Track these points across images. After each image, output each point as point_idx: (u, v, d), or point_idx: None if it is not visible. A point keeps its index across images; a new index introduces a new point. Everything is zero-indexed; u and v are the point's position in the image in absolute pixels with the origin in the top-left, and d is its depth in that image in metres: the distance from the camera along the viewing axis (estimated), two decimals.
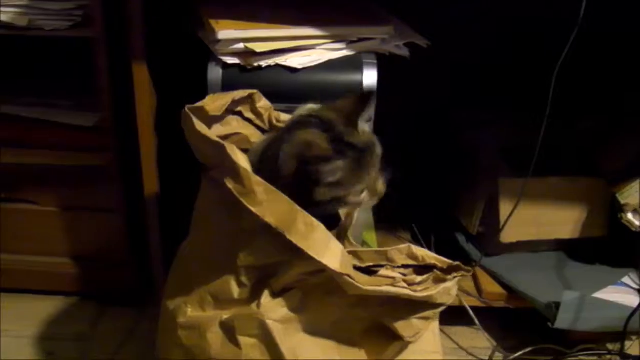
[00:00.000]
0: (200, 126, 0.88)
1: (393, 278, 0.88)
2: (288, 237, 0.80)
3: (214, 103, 0.96)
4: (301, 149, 0.90)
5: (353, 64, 1.16)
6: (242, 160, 0.84)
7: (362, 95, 0.98)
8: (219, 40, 1.11)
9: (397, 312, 0.93)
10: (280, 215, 0.81)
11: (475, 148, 1.49)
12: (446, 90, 1.63)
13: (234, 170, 0.83)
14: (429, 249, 1.49)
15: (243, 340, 0.87)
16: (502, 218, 1.41)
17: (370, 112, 1.08)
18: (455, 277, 0.93)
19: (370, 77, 1.15)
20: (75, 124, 1.48)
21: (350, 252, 0.91)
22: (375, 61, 1.16)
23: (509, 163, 1.44)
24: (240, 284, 0.88)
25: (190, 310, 0.92)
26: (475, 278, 1.47)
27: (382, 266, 0.93)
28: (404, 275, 0.92)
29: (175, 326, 0.93)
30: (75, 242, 1.52)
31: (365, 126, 0.97)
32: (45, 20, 1.32)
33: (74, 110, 1.51)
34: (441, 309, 0.95)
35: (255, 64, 1.12)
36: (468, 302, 1.43)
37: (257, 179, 0.82)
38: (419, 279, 0.90)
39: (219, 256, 0.91)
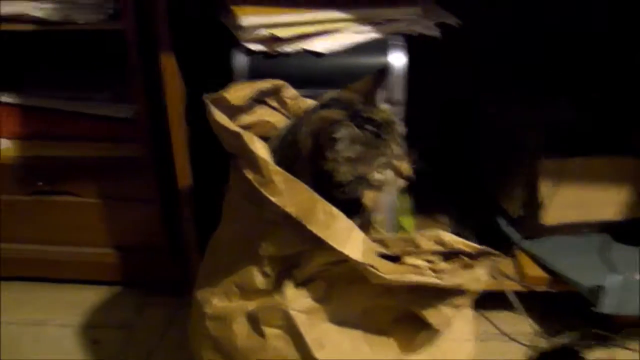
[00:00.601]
0: (219, 115, 0.87)
1: (418, 266, 0.85)
2: (308, 227, 0.79)
3: (236, 92, 0.95)
4: (318, 124, 0.88)
5: (380, 46, 1.14)
6: (261, 149, 0.83)
7: (377, 73, 0.96)
8: (243, 27, 1.10)
9: (426, 300, 0.91)
10: (300, 205, 0.80)
11: (513, 129, 1.44)
12: (478, 72, 1.58)
13: (252, 160, 0.82)
14: (469, 233, 1.46)
15: (268, 330, 0.87)
16: (543, 200, 1.36)
17: (387, 89, 1.08)
18: (484, 262, 0.90)
19: (397, 59, 1.12)
20: (113, 116, 1.50)
21: (375, 240, 0.89)
22: (403, 43, 1.13)
23: (549, 143, 1.38)
24: (264, 274, 0.87)
25: (217, 301, 0.92)
26: (516, 262, 1.43)
27: (410, 253, 0.91)
28: (430, 262, 0.89)
29: (204, 316, 0.93)
30: (115, 232, 1.54)
31: (384, 105, 0.95)
32: (78, 14, 1.33)
33: (111, 102, 1.53)
34: (471, 296, 0.92)
35: (280, 50, 1.10)
36: (509, 287, 1.40)
37: (275, 168, 0.81)
38: (445, 266, 0.87)
39: (244, 246, 0.90)
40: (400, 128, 0.92)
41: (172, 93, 1.21)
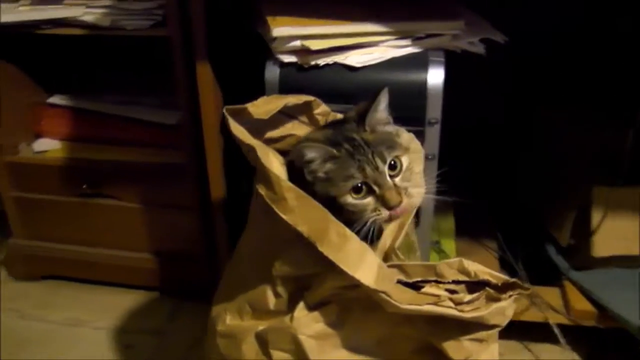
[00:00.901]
0: (235, 128, 0.85)
1: (438, 296, 0.80)
2: (320, 248, 0.75)
3: (261, 106, 0.91)
4: (295, 145, 0.87)
5: (418, 61, 1.09)
6: (275, 164, 0.80)
7: (375, 93, 0.91)
8: (275, 38, 1.07)
9: (447, 332, 0.85)
10: (312, 224, 0.76)
11: (567, 152, 1.37)
12: (530, 88, 1.51)
13: (265, 175, 0.79)
14: (516, 259, 1.39)
15: (276, 354, 0.83)
16: (595, 229, 1.28)
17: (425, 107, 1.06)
18: (511, 296, 0.84)
19: (435, 76, 1.07)
20: (158, 122, 1.51)
21: (393, 266, 0.84)
22: (442, 59, 1.08)
23: (604, 169, 1.30)
24: (276, 295, 0.84)
25: (229, 318, 0.89)
26: (563, 293, 1.35)
27: (430, 282, 0.86)
28: (452, 292, 0.84)
29: (215, 334, 0.90)
30: (154, 238, 1.54)
31: (386, 127, 0.92)
32: (127, 20, 1.35)
33: (159, 108, 1.54)
34: (496, 330, 0.86)
35: (313, 63, 1.07)
36: (554, 319, 1.32)
37: (288, 184, 0.77)
38: (468, 297, 0.81)
39: (260, 262, 0.87)
40: (391, 152, 0.87)
41: (207, 102, 1.19)
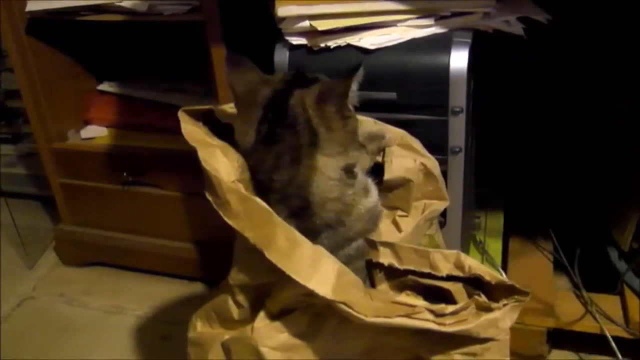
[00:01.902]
0: (185, 129, 0.78)
1: (413, 306, 0.70)
2: (267, 255, 0.67)
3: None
4: None
5: (441, 43, 0.97)
6: (223, 165, 0.72)
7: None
8: (283, 18, 0.99)
9: (435, 345, 0.75)
10: (259, 229, 0.68)
11: (630, 147, 1.20)
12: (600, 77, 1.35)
13: (207, 178, 0.72)
14: (572, 263, 1.25)
15: None
16: None
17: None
18: (505, 304, 0.73)
19: (459, 60, 0.95)
20: None
21: (386, 245, 0.77)
22: (468, 40, 0.96)
23: None
24: (237, 304, 0.77)
25: (200, 325, 0.83)
26: (623, 302, 1.20)
27: (424, 274, 0.76)
28: (439, 297, 0.74)
29: (187, 341, 0.84)
30: (195, 227, 1.51)
31: None
32: (164, 6, 1.31)
33: (201, 96, 1.50)
34: (491, 343, 0.75)
35: (323, 45, 0.98)
36: (611, 332, 1.17)
37: (229, 185, 0.70)
38: (450, 308, 0.71)
39: (229, 270, 0.80)
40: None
41: (223, 88, 1.13)
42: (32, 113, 1.49)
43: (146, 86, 1.58)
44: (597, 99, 1.36)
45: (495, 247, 1.29)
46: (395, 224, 0.90)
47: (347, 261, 0.76)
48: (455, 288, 0.76)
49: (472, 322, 0.71)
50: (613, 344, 1.16)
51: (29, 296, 1.56)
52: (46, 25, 1.40)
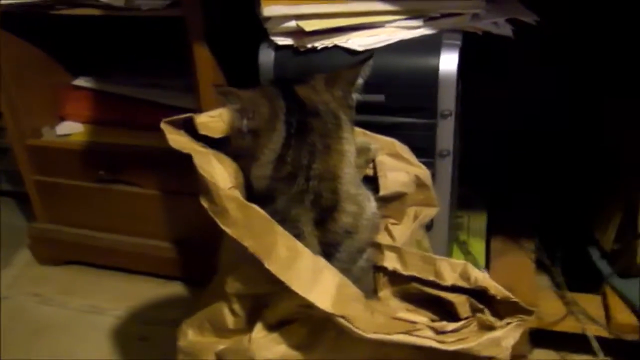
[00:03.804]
0: (172, 139, 0.76)
1: (414, 322, 0.69)
2: (267, 265, 0.66)
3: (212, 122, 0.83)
4: None
5: (430, 45, 0.96)
6: (219, 171, 0.70)
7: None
8: (268, 18, 0.97)
9: None
10: (259, 238, 0.67)
11: (617, 147, 1.21)
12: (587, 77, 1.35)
13: (204, 184, 0.70)
14: (554, 263, 1.25)
15: None
16: None
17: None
18: (509, 323, 0.72)
19: (449, 62, 0.94)
20: (179, 106, 1.44)
21: (391, 249, 0.77)
22: (458, 42, 0.95)
23: None
24: (233, 313, 0.75)
25: (191, 334, 0.81)
26: (605, 302, 1.21)
27: (428, 282, 0.75)
28: (443, 311, 0.73)
29: (177, 350, 0.82)
30: (174, 226, 1.49)
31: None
32: (142, 0, 1.28)
33: (178, 92, 1.47)
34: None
35: (309, 45, 0.97)
36: (593, 331, 1.18)
37: (228, 193, 0.68)
38: (452, 326, 0.70)
39: (220, 277, 0.79)
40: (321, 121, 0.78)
41: (205, 85, 1.11)
42: (5, 109, 1.45)
43: (123, 81, 1.54)
44: (584, 99, 1.36)
45: (478, 247, 1.29)
46: (389, 232, 0.89)
47: (361, 275, 0.75)
48: (459, 300, 0.76)
49: (473, 341, 0.70)
50: (595, 344, 1.17)
51: (2, 296, 1.53)
52: (20, 19, 1.36)
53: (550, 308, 1.22)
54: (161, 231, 1.50)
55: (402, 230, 0.87)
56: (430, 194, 0.92)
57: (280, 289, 0.68)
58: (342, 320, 0.66)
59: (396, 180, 0.85)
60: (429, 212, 0.93)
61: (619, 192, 1.20)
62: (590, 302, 1.22)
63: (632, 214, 1.16)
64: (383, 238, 0.84)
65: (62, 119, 1.56)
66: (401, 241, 0.84)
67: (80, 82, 1.57)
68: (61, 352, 1.36)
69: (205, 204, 0.71)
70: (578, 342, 1.19)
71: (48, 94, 1.53)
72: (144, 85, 1.53)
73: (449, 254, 1.21)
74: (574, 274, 1.27)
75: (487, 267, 1.29)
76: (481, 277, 0.74)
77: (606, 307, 1.20)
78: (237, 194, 0.69)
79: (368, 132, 0.93)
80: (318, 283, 0.66)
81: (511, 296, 0.74)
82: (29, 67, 1.47)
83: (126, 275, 1.56)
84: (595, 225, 1.25)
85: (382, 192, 0.86)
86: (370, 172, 0.90)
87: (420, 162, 0.93)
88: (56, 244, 1.57)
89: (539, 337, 1.23)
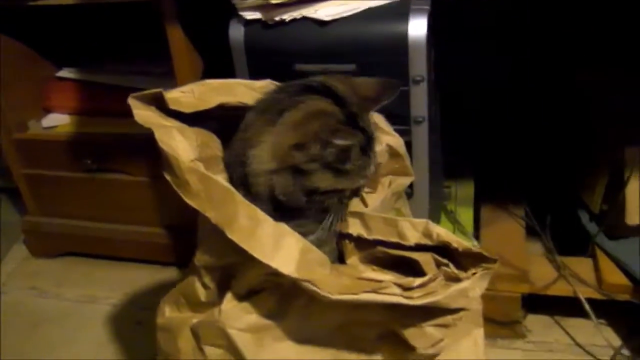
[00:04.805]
0: (138, 114, 0.76)
1: (380, 281, 0.69)
2: (229, 234, 0.66)
3: (201, 96, 0.82)
4: (311, 116, 0.76)
5: (399, 11, 0.95)
6: (181, 145, 0.70)
7: (391, 83, 0.82)
8: None
9: (406, 318, 0.75)
10: (220, 208, 0.66)
11: (601, 112, 1.20)
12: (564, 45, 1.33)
13: (166, 158, 0.70)
14: (543, 227, 1.24)
15: (208, 350, 0.75)
16: (629, 195, 1.13)
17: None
18: (474, 273, 0.72)
19: (418, 27, 0.93)
20: None
21: (355, 215, 0.77)
22: (427, 7, 0.94)
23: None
24: (204, 286, 0.75)
25: (168, 310, 0.81)
26: (595, 265, 1.20)
27: (393, 244, 0.75)
28: (407, 269, 0.73)
29: (155, 327, 0.83)
30: (167, 211, 1.49)
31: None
32: None
33: (162, 77, 1.46)
34: (462, 313, 0.74)
35: (278, 18, 0.96)
36: (585, 294, 1.17)
37: (188, 165, 0.68)
38: (418, 281, 0.70)
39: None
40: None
41: (182, 68, 1.10)
42: None
43: (106, 70, 1.53)
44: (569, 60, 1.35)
45: (466, 215, 1.28)
46: (362, 200, 0.89)
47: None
48: (424, 259, 0.75)
49: (440, 294, 0.70)
50: (587, 306, 1.16)
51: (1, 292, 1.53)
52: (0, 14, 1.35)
53: (542, 273, 1.21)
54: (153, 218, 1.50)
55: (375, 198, 0.86)
56: (404, 162, 0.91)
57: (246, 258, 0.67)
58: (307, 284, 0.66)
59: None
60: (402, 181, 0.93)
61: (605, 152, 1.18)
62: (581, 265, 1.21)
63: (618, 174, 1.14)
64: (356, 205, 0.83)
65: (48, 111, 1.55)
66: (372, 207, 0.84)
67: (64, 73, 1.56)
68: (60, 343, 1.37)
69: (168, 177, 0.71)
70: (571, 305, 1.18)
71: (32, 87, 1.53)
72: (128, 73, 1.52)
73: (436, 222, 1.21)
74: (564, 239, 1.25)
75: (477, 235, 1.28)
76: (443, 233, 0.74)
77: (597, 269, 1.19)
78: (199, 165, 0.69)
79: None
80: (281, 249, 0.66)
81: (473, 247, 0.73)
82: (12, 62, 1.46)
83: (121, 264, 1.56)
84: (583, 188, 1.24)
85: None
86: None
87: (396, 129, 0.93)
88: (49, 237, 1.58)
89: (532, 303, 1.22)
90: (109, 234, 1.54)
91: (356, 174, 0.77)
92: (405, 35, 0.93)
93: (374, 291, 0.68)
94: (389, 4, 0.96)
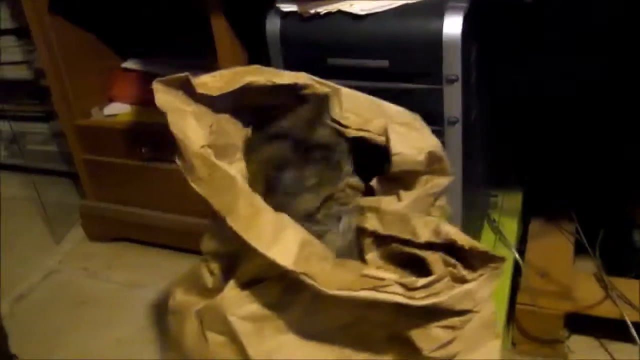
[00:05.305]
0: (160, 98, 0.77)
1: (382, 279, 0.67)
2: (229, 222, 0.65)
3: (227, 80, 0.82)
4: (264, 168, 0.80)
5: (435, 8, 0.93)
6: (193, 130, 0.70)
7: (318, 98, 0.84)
8: None
9: (413, 319, 0.73)
10: (222, 195, 0.66)
11: None
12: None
13: (177, 142, 0.70)
14: (593, 245, 1.18)
15: (211, 336, 0.75)
16: None
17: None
18: (481, 275, 0.69)
19: (453, 25, 0.90)
20: None
21: (372, 210, 0.76)
22: (464, 4, 0.91)
23: None
24: (210, 272, 0.75)
25: (179, 293, 0.82)
26: None
27: (405, 240, 0.73)
28: (413, 268, 0.71)
29: (167, 310, 0.83)
30: None
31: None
32: None
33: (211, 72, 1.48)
34: (468, 315, 0.71)
35: (312, 11, 0.95)
36: (632, 317, 1.12)
37: (195, 150, 0.68)
38: (422, 281, 0.68)
39: None
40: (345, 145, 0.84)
41: (226, 59, 1.11)
42: (55, 91, 1.51)
43: (168, 62, 1.57)
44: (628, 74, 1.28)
45: (510, 227, 1.24)
46: (397, 196, 0.86)
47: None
48: (433, 258, 0.73)
49: (444, 295, 0.68)
50: (633, 330, 1.10)
51: (54, 270, 1.59)
52: (69, 3, 1.41)
53: (588, 292, 1.16)
54: (204, 209, 1.51)
55: (410, 195, 0.84)
56: (443, 164, 0.88)
57: (247, 246, 0.67)
58: (304, 278, 0.65)
59: (406, 160, 0.82)
60: (440, 181, 0.90)
61: None
62: (629, 287, 1.15)
63: None
64: (391, 200, 0.81)
65: (111, 100, 1.60)
66: (404, 204, 0.81)
67: (129, 64, 1.61)
68: (103, 323, 1.41)
69: (178, 161, 0.71)
70: (617, 328, 1.12)
71: (98, 77, 1.58)
72: (185, 66, 1.55)
73: (477, 231, 1.17)
74: (615, 258, 1.19)
75: (523, 248, 1.23)
76: (452, 231, 0.71)
77: None
78: (208, 152, 0.69)
79: (376, 100, 0.91)
80: (279, 240, 0.65)
81: (478, 246, 0.70)
82: (78, 51, 1.52)
83: (170, 252, 1.59)
84: (638, 208, 1.17)
85: (393, 169, 0.84)
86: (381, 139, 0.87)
87: (434, 130, 0.90)
88: (104, 221, 1.62)
89: (577, 323, 1.17)
90: (160, 222, 1.57)
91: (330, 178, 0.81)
92: (439, 33, 0.90)
93: (374, 289, 0.66)
94: (425, 0, 0.93)
